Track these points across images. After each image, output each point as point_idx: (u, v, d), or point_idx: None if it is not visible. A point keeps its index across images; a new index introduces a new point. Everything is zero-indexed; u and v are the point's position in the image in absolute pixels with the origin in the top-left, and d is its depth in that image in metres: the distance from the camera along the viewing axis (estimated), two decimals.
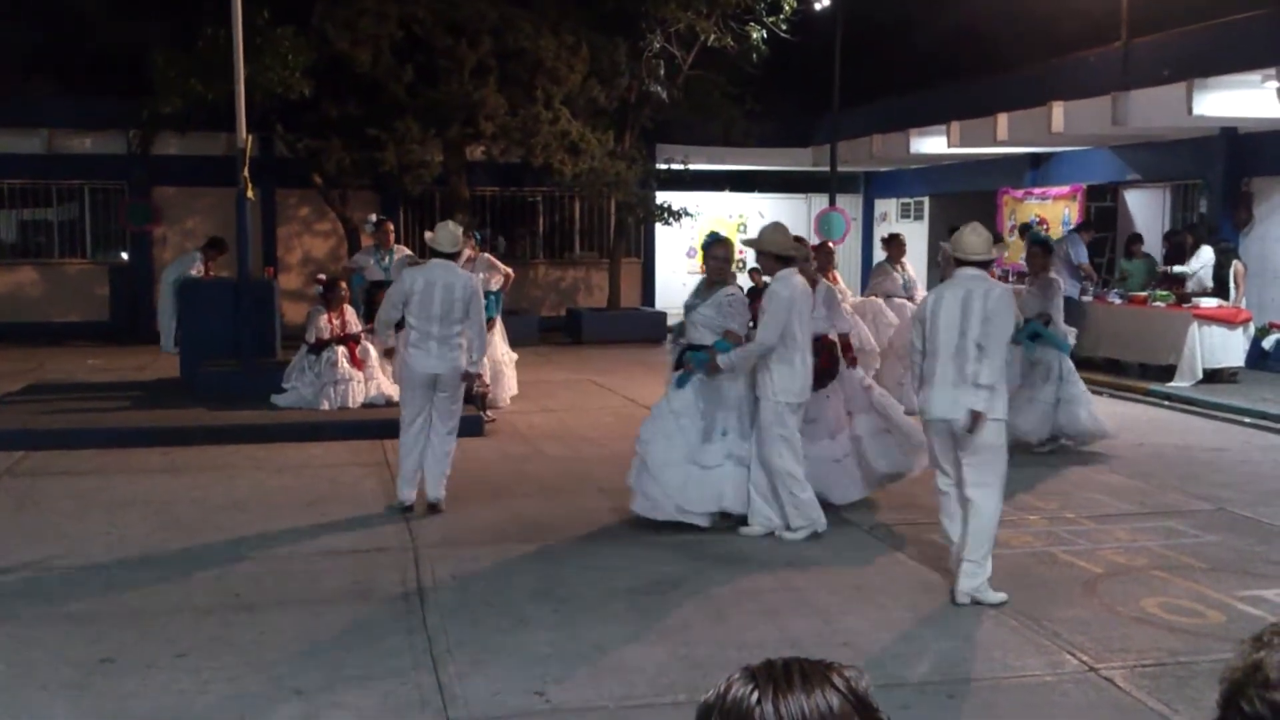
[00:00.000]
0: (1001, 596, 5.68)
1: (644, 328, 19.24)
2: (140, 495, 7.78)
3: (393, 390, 10.83)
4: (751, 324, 7.14)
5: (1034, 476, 8.66)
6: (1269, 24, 12.06)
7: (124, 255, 19.52)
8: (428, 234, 7.96)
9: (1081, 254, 14.16)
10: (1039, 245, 9.80)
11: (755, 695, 1.20)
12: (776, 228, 7.10)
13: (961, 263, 6.03)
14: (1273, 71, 11.36)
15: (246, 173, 10.73)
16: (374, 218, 12.32)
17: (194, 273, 12.82)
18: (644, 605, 5.61)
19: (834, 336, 7.76)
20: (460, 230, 7.86)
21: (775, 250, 6.90)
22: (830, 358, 7.48)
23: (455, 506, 7.58)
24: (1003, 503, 5.88)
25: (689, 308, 7.20)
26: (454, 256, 7.58)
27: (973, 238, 6.04)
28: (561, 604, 5.62)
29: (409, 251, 12.28)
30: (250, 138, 11.10)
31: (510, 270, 11.77)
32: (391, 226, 12.33)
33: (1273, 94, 11.38)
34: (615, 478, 8.47)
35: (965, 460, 5.75)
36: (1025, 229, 16.49)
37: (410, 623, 5.31)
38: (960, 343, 5.77)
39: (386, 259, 11.82)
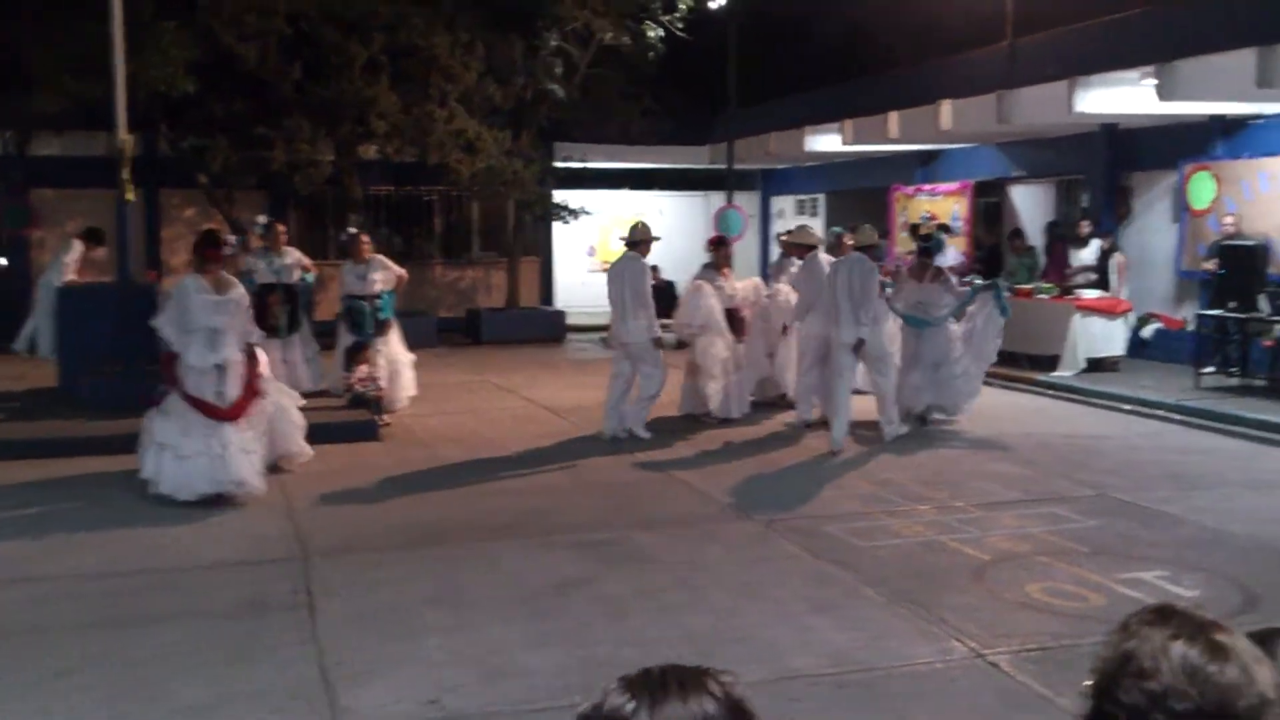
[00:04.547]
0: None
1: (544, 327, 19.18)
2: (18, 510, 7.47)
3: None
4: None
5: (925, 466, 8.87)
6: (1146, 23, 12.52)
7: (1, 260, 18.74)
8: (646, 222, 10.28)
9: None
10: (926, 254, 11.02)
11: (632, 705, 1.20)
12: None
13: (812, 247, 10.64)
14: (1151, 69, 11.77)
15: (127, 174, 10.39)
16: (262, 219, 12.05)
17: (69, 260, 12.41)
18: (543, 608, 5.58)
19: None
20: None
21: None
22: None
23: (349, 513, 7.46)
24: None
25: None
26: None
27: (814, 234, 10.86)
28: (458, 609, 5.55)
29: (300, 254, 12.04)
30: (130, 137, 10.76)
31: (404, 271, 11.64)
32: (282, 228, 12.08)
33: (1150, 91, 11.79)
34: (515, 480, 8.46)
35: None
36: (944, 229, 16.83)
37: (301, 634, 5.19)
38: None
39: (277, 261, 11.59)
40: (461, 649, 5.00)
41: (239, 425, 7.70)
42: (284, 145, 15.90)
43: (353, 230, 12.08)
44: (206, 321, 7.59)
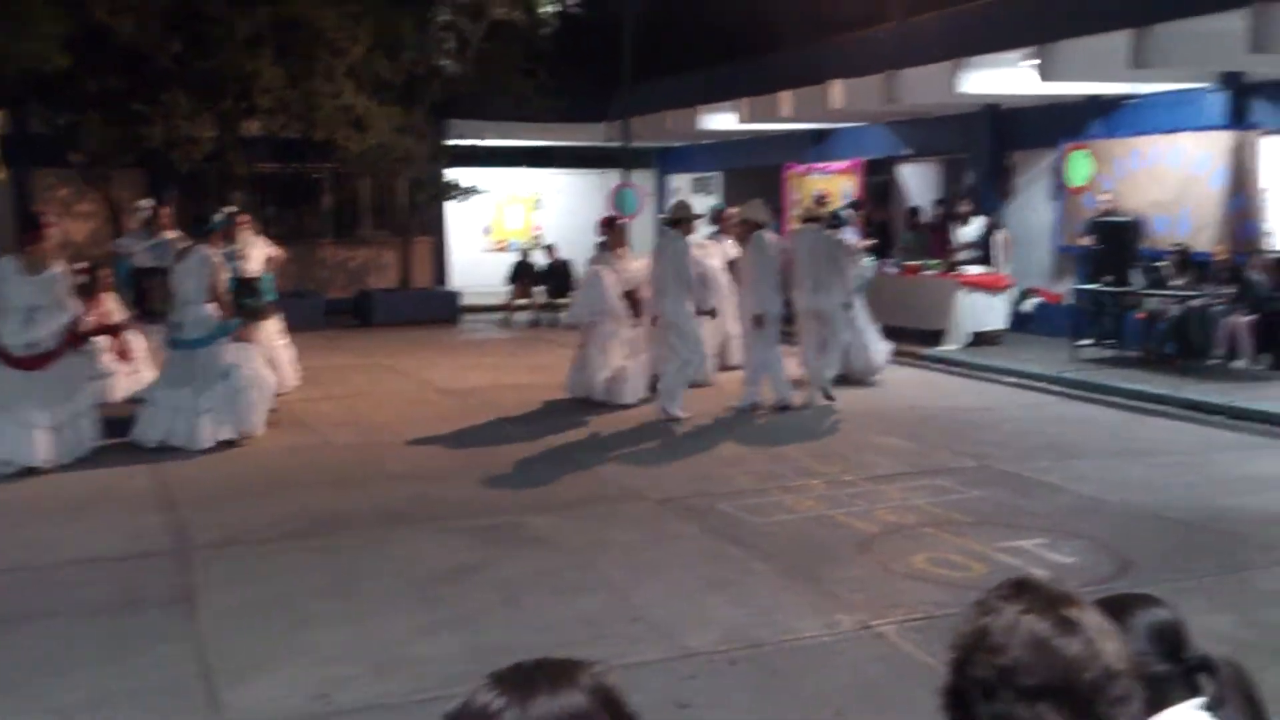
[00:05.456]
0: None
1: (438, 308, 18.94)
2: None
3: None
4: None
5: (817, 441, 9.02)
6: (1026, 5, 12.83)
7: None
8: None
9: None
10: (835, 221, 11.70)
11: (502, 701, 1.19)
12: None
13: (760, 225, 10.15)
14: (1030, 51, 12.07)
15: None
16: (145, 203, 11.67)
17: None
18: (437, 595, 5.52)
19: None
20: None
21: None
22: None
23: (233, 503, 7.27)
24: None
25: None
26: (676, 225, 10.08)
27: (764, 210, 10.44)
28: (349, 600, 5.46)
29: (180, 236, 11.66)
30: (0, 115, 10.28)
31: (276, 252, 11.41)
32: (167, 210, 11.71)
33: (1030, 72, 12.10)
34: (409, 465, 8.35)
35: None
36: (855, 206, 17.04)
37: (182, 630, 5.05)
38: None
39: (159, 244, 11.23)
40: (351, 641, 4.92)
41: (44, 401, 7.99)
42: (162, 121, 15.36)
43: (229, 210, 11.76)
44: (21, 301, 7.95)
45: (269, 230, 12.72)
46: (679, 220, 10.19)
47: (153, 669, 4.62)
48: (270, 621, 5.15)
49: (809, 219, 10.86)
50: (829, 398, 10.45)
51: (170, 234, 11.55)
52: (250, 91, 15.77)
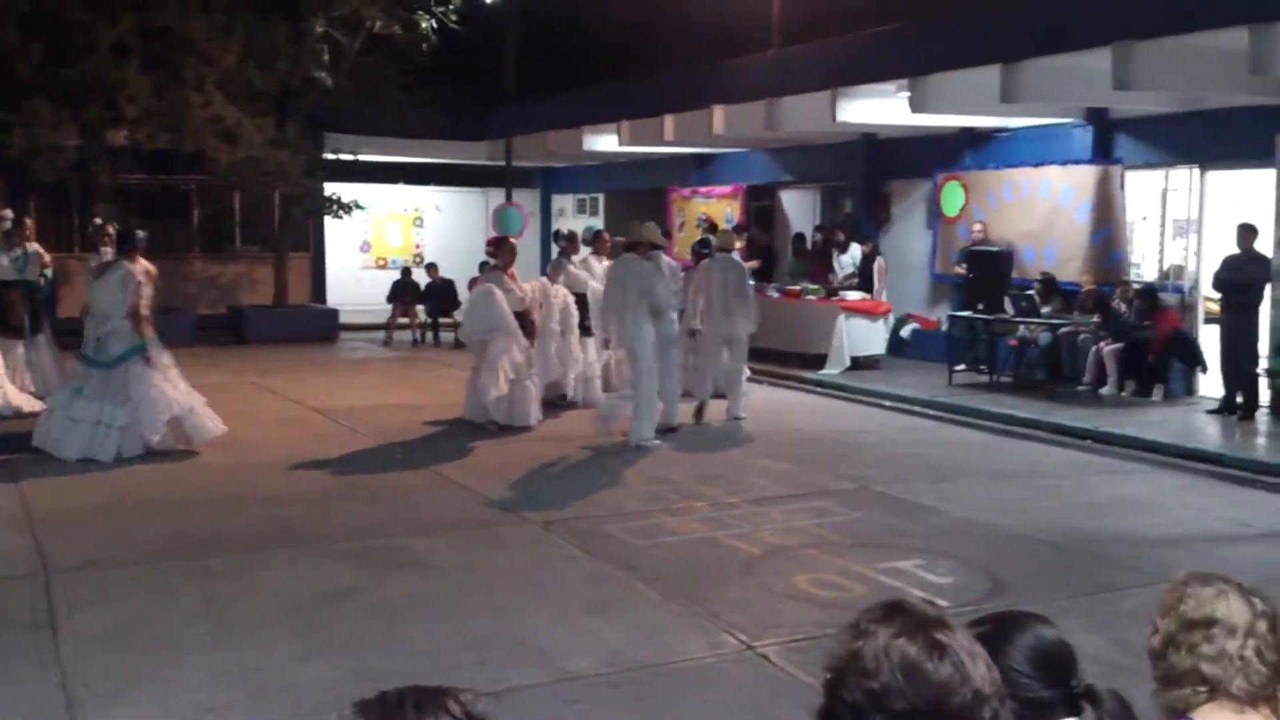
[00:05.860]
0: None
1: (314, 325, 18.49)
2: None
3: (21, 400, 9.86)
4: None
5: (702, 463, 9.07)
6: (901, 38, 13.22)
7: None
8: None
9: None
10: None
11: None
12: None
13: (658, 246, 10.17)
14: (905, 82, 12.43)
15: None
16: (9, 214, 11.16)
17: None
18: (313, 620, 5.36)
19: None
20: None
21: None
22: None
23: (99, 525, 6.95)
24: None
25: None
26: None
27: (658, 233, 10.42)
28: (221, 625, 5.26)
29: (39, 248, 11.19)
30: None
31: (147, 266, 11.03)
32: (30, 222, 11.22)
33: (904, 103, 12.46)
34: (281, 485, 8.11)
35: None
36: (741, 229, 17.21)
37: (42, 657, 4.79)
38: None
39: (20, 256, 10.75)
40: (222, 666, 4.73)
41: None
42: (23, 130, 14.69)
43: (99, 221, 11.35)
44: None
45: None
46: (635, 244, 10.18)
47: (12, 696, 4.38)
48: (136, 647, 4.93)
49: (721, 248, 11.32)
50: (739, 417, 11.00)
51: (32, 246, 11.08)
52: (116, 100, 15.21)
